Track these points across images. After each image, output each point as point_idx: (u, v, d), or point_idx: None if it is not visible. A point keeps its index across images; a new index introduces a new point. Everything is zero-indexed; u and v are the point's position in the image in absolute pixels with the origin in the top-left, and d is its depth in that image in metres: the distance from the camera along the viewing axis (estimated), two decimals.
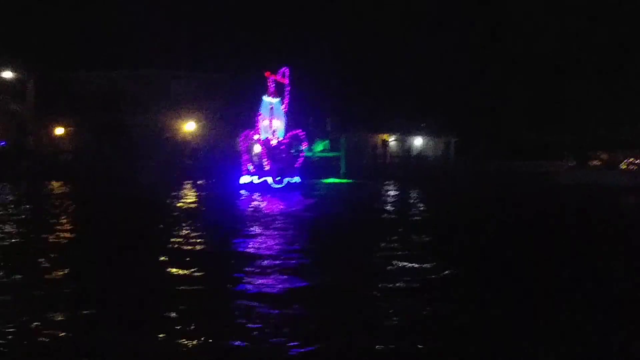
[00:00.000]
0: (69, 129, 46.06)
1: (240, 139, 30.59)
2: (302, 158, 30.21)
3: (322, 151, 45.57)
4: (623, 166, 39.68)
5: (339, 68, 53.17)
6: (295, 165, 29.62)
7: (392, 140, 56.34)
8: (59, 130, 46.06)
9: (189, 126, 47.74)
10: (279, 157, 29.04)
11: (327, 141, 47.76)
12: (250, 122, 31.85)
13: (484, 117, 58.69)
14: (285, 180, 28.61)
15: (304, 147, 30.80)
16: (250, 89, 44.56)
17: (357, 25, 56.77)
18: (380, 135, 54.89)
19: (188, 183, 33.96)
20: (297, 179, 29.43)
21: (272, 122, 29.45)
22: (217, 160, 42.00)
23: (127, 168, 37.68)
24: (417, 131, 57.41)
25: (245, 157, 30.01)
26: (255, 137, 30.03)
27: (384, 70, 56.14)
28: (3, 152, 41.57)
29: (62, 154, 43.94)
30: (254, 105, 31.16)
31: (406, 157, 54.11)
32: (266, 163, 28.77)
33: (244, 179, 29.39)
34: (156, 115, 45.71)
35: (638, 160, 39.32)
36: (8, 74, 43.67)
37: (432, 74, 56.41)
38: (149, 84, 46.90)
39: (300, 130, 29.92)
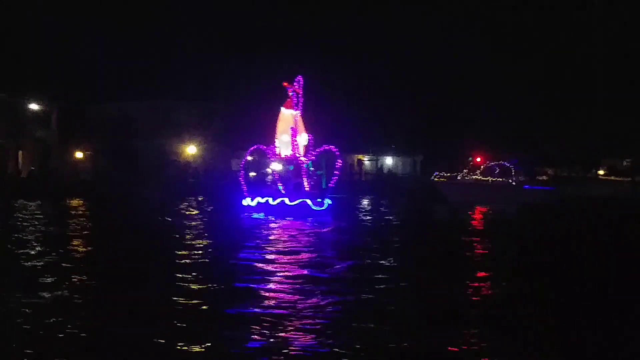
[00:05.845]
0: (87, 153, 52.32)
1: (244, 161, 28.79)
2: (337, 177, 26.26)
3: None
4: (436, 179, 38.92)
5: (321, 93, 58.86)
6: (330, 185, 26.33)
7: (366, 160, 63.44)
8: (79, 155, 52.42)
9: (190, 149, 54.60)
10: (310, 177, 26.47)
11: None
12: (245, 144, 31.29)
13: (446, 137, 65.07)
14: (327, 201, 25.63)
15: (338, 165, 26.54)
16: (245, 116, 51.10)
17: (332, 51, 62.29)
18: (356, 155, 61.67)
19: (190, 200, 37.06)
20: (328, 201, 26.09)
21: (295, 137, 26.62)
22: (215, 179, 47.51)
23: (137, 187, 41.57)
24: (388, 151, 64.51)
25: (243, 175, 28.00)
26: (247, 156, 28.97)
27: (358, 95, 61.34)
28: (32, 175, 47.72)
29: (82, 175, 49.32)
30: (250, 129, 31.70)
31: (379, 175, 60.93)
32: (306, 184, 26.05)
33: (247, 202, 26.72)
34: (162, 140, 52.23)
35: (448, 174, 39.24)
36: (35, 106, 49.18)
37: (401, 99, 62.47)
38: (155, 112, 53.27)
39: (333, 146, 26.18)
